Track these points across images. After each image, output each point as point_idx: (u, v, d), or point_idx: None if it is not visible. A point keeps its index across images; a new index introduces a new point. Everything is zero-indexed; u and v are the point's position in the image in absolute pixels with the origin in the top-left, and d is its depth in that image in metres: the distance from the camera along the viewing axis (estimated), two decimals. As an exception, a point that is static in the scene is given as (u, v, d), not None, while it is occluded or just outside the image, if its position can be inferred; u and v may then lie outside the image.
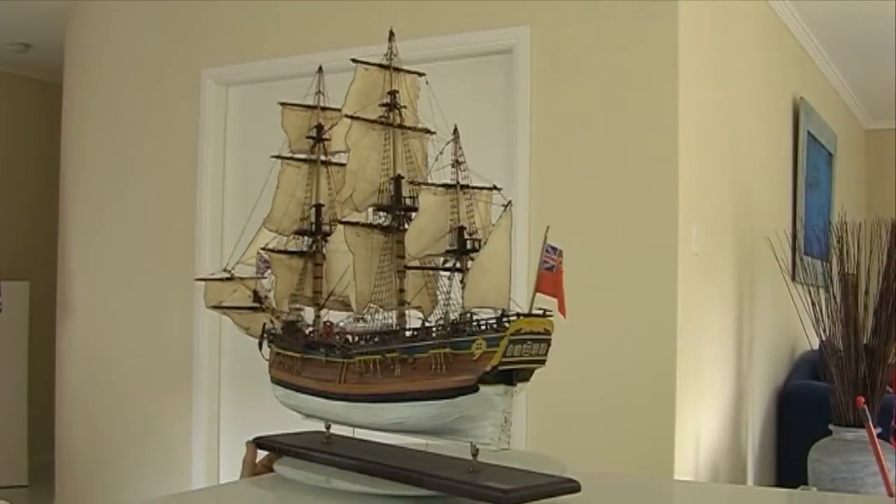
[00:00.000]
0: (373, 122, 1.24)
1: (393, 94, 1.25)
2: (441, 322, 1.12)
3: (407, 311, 1.20)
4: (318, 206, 1.34)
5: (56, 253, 4.81)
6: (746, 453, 4.17)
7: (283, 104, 1.40)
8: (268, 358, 1.36)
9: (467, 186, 1.18)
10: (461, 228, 1.14)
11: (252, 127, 4.21)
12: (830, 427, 3.68)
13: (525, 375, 1.04)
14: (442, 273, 1.20)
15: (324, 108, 1.38)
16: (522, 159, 3.45)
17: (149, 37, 4.43)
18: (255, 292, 1.37)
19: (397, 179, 1.22)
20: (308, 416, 1.27)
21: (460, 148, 1.19)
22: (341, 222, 1.24)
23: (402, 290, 1.20)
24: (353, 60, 1.27)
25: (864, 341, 3.72)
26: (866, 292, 3.77)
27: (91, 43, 4.66)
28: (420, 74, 1.29)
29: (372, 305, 1.21)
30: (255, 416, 4.07)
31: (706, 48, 3.64)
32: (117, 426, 4.39)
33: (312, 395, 1.24)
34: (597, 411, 3.31)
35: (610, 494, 1.30)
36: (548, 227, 1.12)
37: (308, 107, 1.40)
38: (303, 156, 1.39)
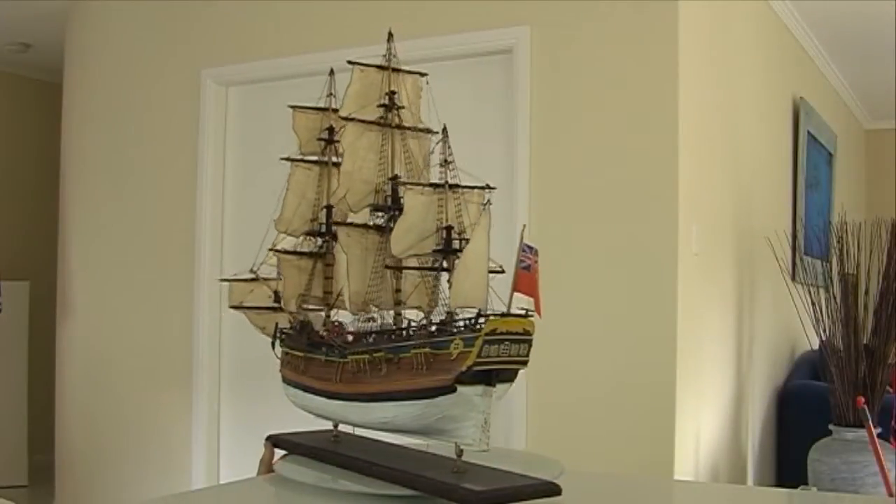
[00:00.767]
0: (369, 122, 1.24)
1: (391, 94, 1.25)
2: (423, 322, 1.13)
3: (405, 311, 1.20)
4: (329, 208, 1.35)
5: (56, 253, 4.81)
6: (746, 453, 4.17)
7: (293, 107, 1.40)
8: (279, 357, 1.37)
9: (456, 186, 1.17)
10: (449, 228, 1.14)
11: (252, 127, 4.21)
12: (830, 427, 3.68)
13: (507, 376, 1.03)
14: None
15: (334, 111, 1.38)
16: (522, 159, 3.45)
17: (149, 37, 4.43)
18: (276, 293, 1.38)
19: (394, 180, 1.22)
20: (317, 415, 1.28)
21: (449, 147, 1.19)
22: (334, 223, 1.24)
23: (398, 290, 1.20)
24: (350, 62, 1.27)
25: (864, 341, 3.71)
26: (866, 292, 3.77)
27: (91, 43, 4.66)
28: (422, 75, 1.29)
29: (370, 306, 1.22)
30: (255, 416, 4.08)
31: (706, 48, 3.64)
32: (117, 426, 4.39)
33: (314, 393, 1.25)
34: (597, 411, 3.31)
35: (610, 494, 1.30)
36: (524, 227, 1.12)
37: (319, 109, 1.41)
38: (313, 158, 1.39)
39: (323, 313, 1.33)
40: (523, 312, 1.02)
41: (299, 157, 1.40)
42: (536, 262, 1.05)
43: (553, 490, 1.01)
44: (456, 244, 1.14)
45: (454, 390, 1.01)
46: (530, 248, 1.05)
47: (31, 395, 5.78)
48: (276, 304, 1.39)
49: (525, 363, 1.02)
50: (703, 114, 3.57)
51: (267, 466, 1.30)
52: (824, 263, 4.00)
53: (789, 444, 4.54)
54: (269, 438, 1.33)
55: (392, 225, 1.20)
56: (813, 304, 3.83)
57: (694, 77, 3.42)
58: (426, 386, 1.04)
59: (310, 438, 1.30)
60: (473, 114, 3.62)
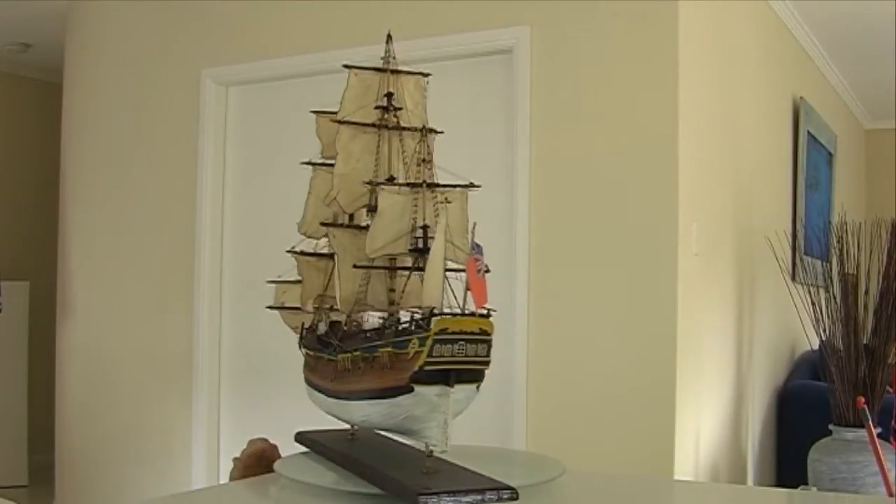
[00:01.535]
0: (362, 125, 1.24)
1: (388, 96, 1.25)
2: (390, 321, 1.13)
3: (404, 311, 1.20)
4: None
5: (56, 253, 4.81)
6: (746, 453, 4.17)
7: (316, 112, 1.41)
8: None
9: (435, 185, 1.17)
10: (424, 227, 1.14)
11: (252, 127, 4.21)
12: (830, 427, 3.68)
13: (469, 377, 1.01)
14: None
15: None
16: (522, 159, 3.45)
17: (149, 37, 4.43)
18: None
19: (390, 181, 1.22)
20: (325, 412, 1.28)
21: (428, 146, 1.19)
22: (324, 224, 1.25)
23: (391, 290, 1.20)
24: (345, 66, 1.27)
25: (864, 341, 3.71)
26: (866, 292, 3.76)
27: (91, 43, 4.66)
28: (425, 75, 1.29)
29: (362, 305, 1.22)
30: (255, 416, 4.08)
31: (706, 48, 3.64)
32: (117, 426, 4.39)
33: (319, 391, 1.26)
34: (597, 411, 3.31)
35: (610, 494, 1.30)
36: (474, 224, 1.11)
37: None
38: (334, 161, 1.39)
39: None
40: (484, 312, 1.02)
41: (321, 161, 1.40)
42: (482, 260, 1.04)
43: (510, 496, 1.00)
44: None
45: (412, 390, 1.01)
46: (479, 246, 1.05)
47: (31, 395, 5.78)
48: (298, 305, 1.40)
49: (485, 364, 1.01)
50: (703, 114, 3.57)
51: (243, 464, 1.29)
52: (824, 263, 4.00)
53: (789, 444, 4.54)
54: (298, 435, 1.34)
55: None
56: (813, 304, 3.83)
57: (694, 77, 3.42)
58: (389, 385, 1.04)
59: (328, 437, 1.30)
60: (473, 114, 3.62)
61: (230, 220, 4.22)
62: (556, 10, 3.47)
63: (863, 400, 3.31)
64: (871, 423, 3.18)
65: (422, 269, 1.13)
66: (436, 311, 1.02)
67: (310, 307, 1.35)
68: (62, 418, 4.65)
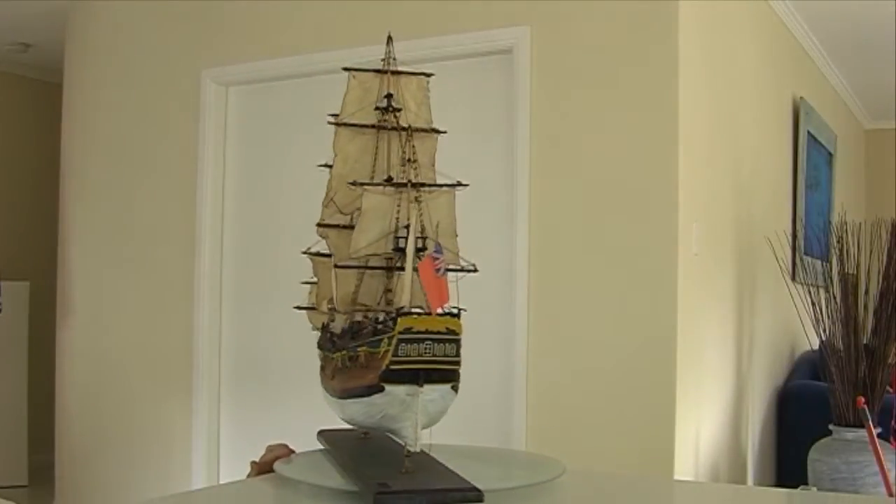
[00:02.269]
0: (360, 126, 1.24)
1: (388, 97, 1.25)
2: (369, 321, 1.14)
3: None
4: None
5: (56, 253, 4.81)
6: (746, 453, 4.17)
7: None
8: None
9: (421, 184, 1.17)
10: (407, 227, 1.14)
11: (252, 127, 4.21)
12: (830, 427, 3.68)
13: (439, 377, 1.01)
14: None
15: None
16: (522, 159, 3.45)
17: (149, 37, 4.43)
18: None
19: (388, 182, 1.22)
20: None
21: (413, 146, 1.19)
22: (319, 225, 1.25)
23: (388, 290, 1.20)
24: (345, 69, 1.27)
25: (864, 341, 3.71)
26: (866, 292, 3.76)
27: (91, 43, 4.66)
28: (428, 75, 1.29)
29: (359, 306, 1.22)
30: (255, 416, 4.08)
31: (706, 48, 3.64)
32: (117, 426, 4.39)
33: (325, 390, 1.27)
34: (597, 411, 3.31)
35: (610, 494, 1.30)
36: (437, 223, 1.11)
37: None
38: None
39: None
40: (454, 311, 1.02)
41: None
42: (441, 259, 1.04)
43: (475, 498, 0.99)
44: (420, 244, 1.14)
45: (383, 389, 1.02)
46: (439, 245, 1.05)
47: (31, 395, 5.78)
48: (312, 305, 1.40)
49: (453, 364, 1.01)
50: (703, 114, 3.57)
51: (259, 468, 1.30)
52: (824, 263, 4.00)
53: (789, 444, 4.54)
54: (320, 433, 1.34)
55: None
56: (813, 304, 3.83)
57: (694, 77, 3.42)
58: (366, 384, 1.05)
59: (343, 436, 1.31)
60: (473, 114, 3.62)
61: (230, 219, 4.22)
62: (556, 10, 3.47)
63: (863, 400, 3.30)
64: (871, 423, 3.18)
65: (402, 269, 1.14)
66: (403, 311, 1.02)
67: (324, 307, 1.36)
68: (62, 418, 4.65)
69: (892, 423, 3.50)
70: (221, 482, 4.00)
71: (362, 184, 1.19)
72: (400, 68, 1.26)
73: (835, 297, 3.75)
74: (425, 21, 3.65)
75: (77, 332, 4.58)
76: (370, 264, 1.20)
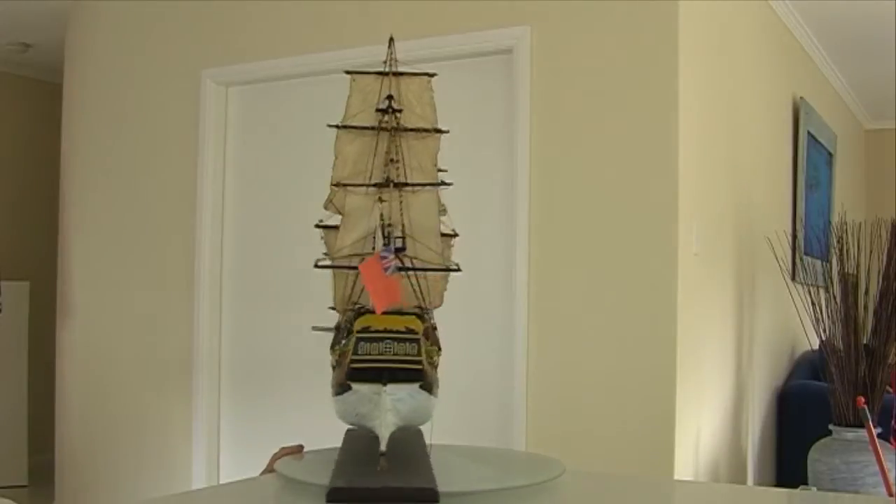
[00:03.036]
0: (359, 128, 1.24)
1: (389, 98, 1.25)
2: (345, 320, 1.15)
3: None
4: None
5: (56, 253, 4.81)
6: (746, 453, 4.17)
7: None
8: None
9: (404, 184, 1.17)
10: (389, 226, 1.15)
11: (252, 127, 4.21)
12: (830, 427, 3.68)
13: (403, 377, 1.01)
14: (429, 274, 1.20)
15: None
16: (522, 159, 3.45)
17: (149, 37, 4.43)
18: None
19: (387, 182, 1.22)
20: None
21: (398, 146, 1.19)
22: (318, 226, 1.25)
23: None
24: (347, 72, 1.27)
25: (864, 341, 3.71)
26: (866, 292, 3.77)
27: (91, 43, 4.66)
28: (431, 75, 1.29)
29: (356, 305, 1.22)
30: (256, 416, 4.08)
31: (706, 48, 3.64)
32: (117, 426, 4.39)
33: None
34: (597, 411, 3.31)
35: (610, 494, 1.30)
36: (416, 222, 1.11)
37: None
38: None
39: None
40: (414, 311, 1.02)
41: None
42: (389, 258, 1.04)
43: (429, 497, 0.99)
44: (398, 244, 1.14)
45: (350, 388, 1.02)
46: (388, 246, 1.05)
47: (31, 395, 5.77)
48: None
49: (415, 363, 1.01)
50: (703, 114, 3.57)
51: (269, 470, 1.30)
52: (824, 263, 4.00)
53: (789, 444, 4.54)
54: (348, 432, 1.34)
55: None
56: (813, 304, 3.83)
57: (694, 77, 3.42)
58: (339, 383, 1.06)
59: (360, 435, 1.31)
60: (473, 114, 3.62)
61: (230, 219, 4.22)
62: (556, 10, 3.47)
63: (863, 400, 3.31)
64: (871, 423, 3.18)
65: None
66: (362, 309, 1.02)
67: (341, 307, 1.36)
68: (62, 418, 4.65)
69: (892, 423, 3.50)
70: (221, 482, 4.00)
71: (345, 185, 1.19)
72: (402, 69, 1.26)
73: (835, 297, 3.76)
74: (425, 21, 3.65)
75: (77, 332, 4.58)
76: (353, 264, 1.20)
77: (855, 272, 3.77)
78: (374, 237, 1.10)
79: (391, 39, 1.25)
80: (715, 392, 3.76)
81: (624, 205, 3.32)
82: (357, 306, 1.06)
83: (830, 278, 3.79)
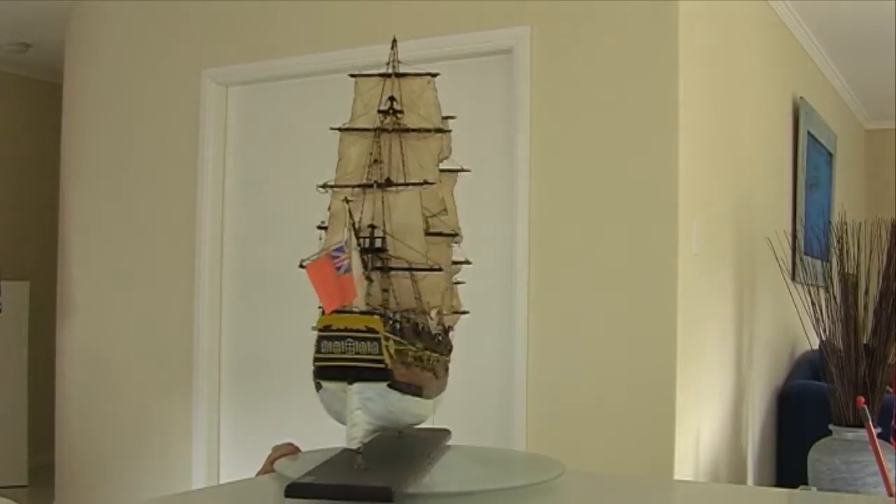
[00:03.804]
0: (360, 130, 1.24)
1: (391, 100, 1.25)
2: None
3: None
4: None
5: (56, 253, 4.81)
6: (746, 453, 4.17)
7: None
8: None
9: (389, 184, 1.17)
10: (373, 227, 1.15)
11: (252, 127, 4.21)
12: (830, 427, 3.68)
13: (366, 376, 1.01)
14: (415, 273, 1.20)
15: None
16: (522, 159, 3.45)
17: (149, 37, 4.43)
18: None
19: (387, 182, 1.23)
20: None
21: (380, 147, 1.19)
22: (320, 227, 1.25)
23: (385, 290, 1.21)
24: (352, 75, 1.28)
25: (864, 341, 3.71)
26: (866, 292, 3.76)
27: (91, 43, 4.66)
28: (433, 75, 1.29)
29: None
30: (256, 416, 4.08)
31: (706, 48, 3.64)
32: (117, 426, 4.39)
33: None
34: (596, 411, 3.31)
35: (610, 494, 1.30)
36: (353, 223, 1.11)
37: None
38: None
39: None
40: (369, 309, 1.02)
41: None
42: (341, 258, 1.04)
43: (382, 496, 0.99)
44: (378, 243, 1.15)
45: (321, 386, 1.03)
46: (341, 246, 1.05)
47: (31, 395, 5.78)
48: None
49: (377, 362, 1.01)
50: (703, 113, 3.57)
51: (265, 470, 1.30)
52: (824, 263, 4.00)
53: (789, 444, 4.54)
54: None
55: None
56: (813, 304, 3.83)
57: (694, 77, 3.42)
58: (316, 381, 1.06)
59: (378, 435, 1.31)
60: (473, 114, 3.62)
61: (230, 219, 4.22)
62: (556, 10, 3.47)
63: (863, 400, 3.30)
64: (871, 423, 3.18)
65: (379, 269, 1.15)
66: (325, 310, 1.03)
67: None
68: (62, 418, 4.65)
69: (892, 423, 3.50)
70: (221, 482, 4.00)
71: (331, 186, 1.20)
72: (403, 69, 1.26)
73: (835, 297, 3.76)
74: (425, 21, 3.65)
75: (77, 332, 4.58)
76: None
77: (855, 272, 3.77)
78: (348, 238, 1.11)
79: (394, 41, 1.26)
80: (715, 392, 3.76)
81: (624, 205, 3.32)
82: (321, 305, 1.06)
83: (830, 278, 3.79)
